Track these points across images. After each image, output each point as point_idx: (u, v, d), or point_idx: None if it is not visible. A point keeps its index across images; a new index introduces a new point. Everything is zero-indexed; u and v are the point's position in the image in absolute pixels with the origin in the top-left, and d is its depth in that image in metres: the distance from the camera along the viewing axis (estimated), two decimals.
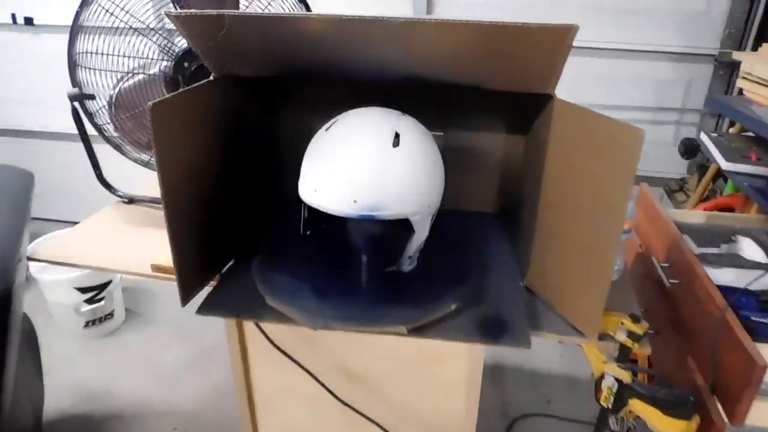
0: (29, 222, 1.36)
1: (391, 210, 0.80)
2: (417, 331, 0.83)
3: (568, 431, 1.69)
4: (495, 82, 0.86)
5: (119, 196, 1.32)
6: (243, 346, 1.04)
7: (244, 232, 1.07)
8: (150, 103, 0.74)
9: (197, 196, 0.89)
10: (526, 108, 1.11)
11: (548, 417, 1.74)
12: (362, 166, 0.80)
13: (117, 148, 1.21)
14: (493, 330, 0.85)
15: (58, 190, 2.58)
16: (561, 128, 0.84)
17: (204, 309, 0.89)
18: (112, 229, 1.22)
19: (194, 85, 0.85)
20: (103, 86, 1.15)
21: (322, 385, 0.99)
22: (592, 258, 0.81)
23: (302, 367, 0.96)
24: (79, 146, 1.22)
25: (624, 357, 0.89)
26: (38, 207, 2.69)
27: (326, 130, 0.86)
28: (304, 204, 0.86)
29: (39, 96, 2.50)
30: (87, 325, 2.04)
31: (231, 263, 1.03)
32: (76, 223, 1.26)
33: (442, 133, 1.18)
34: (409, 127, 0.86)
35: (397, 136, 0.83)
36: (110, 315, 2.09)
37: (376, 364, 0.99)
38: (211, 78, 0.89)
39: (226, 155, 0.97)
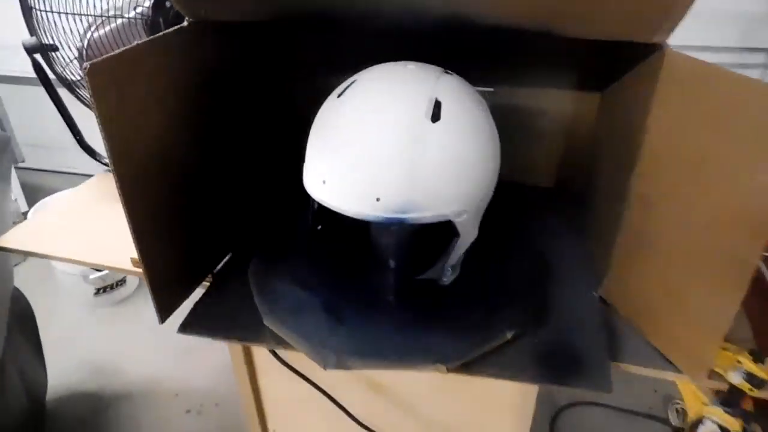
0: (8, 192, 1.19)
1: (427, 211, 0.58)
2: (460, 368, 0.62)
3: (616, 421, 1.50)
4: (576, 27, 0.60)
5: (105, 164, 1.12)
6: (248, 353, 0.85)
7: (242, 221, 0.87)
8: (85, 65, 0.52)
9: (172, 183, 0.68)
10: (606, 58, 0.85)
11: (596, 406, 1.55)
12: (388, 150, 0.57)
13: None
14: (560, 365, 0.64)
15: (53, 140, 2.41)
16: (672, 93, 0.59)
17: (187, 326, 0.70)
18: (94, 209, 1.03)
19: (156, 35, 0.62)
20: (69, 34, 0.93)
21: (340, 406, 0.80)
22: (712, 278, 0.58)
23: (319, 388, 0.77)
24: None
25: (734, 400, 0.68)
26: (38, 158, 2.58)
27: (338, 96, 0.62)
28: None
29: None
30: (97, 292, 1.90)
31: (228, 258, 0.83)
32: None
33: (492, 89, 0.94)
34: (453, 90, 0.62)
35: (437, 105, 0.59)
36: (122, 282, 1.94)
37: (405, 377, 0.79)
38: (185, 24, 0.66)
39: (210, 128, 0.75)
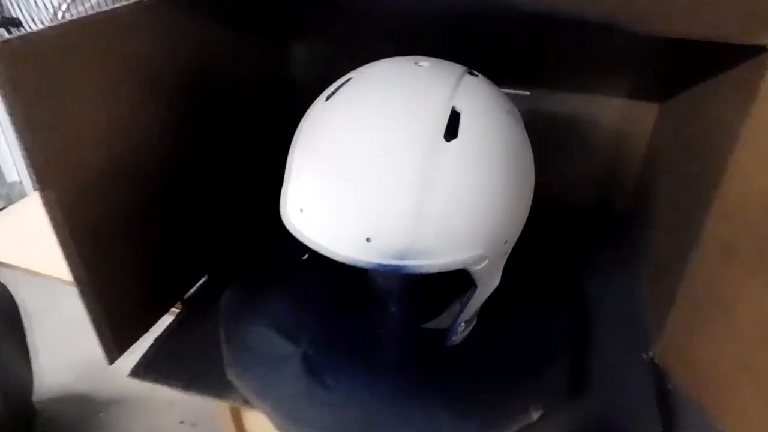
0: None
1: (435, 258, 0.44)
2: None
3: None
4: (651, 22, 0.44)
5: None
6: None
7: (224, 238, 0.73)
8: None
9: (129, 196, 0.56)
10: (672, 61, 0.69)
11: None
12: (386, 176, 0.43)
13: None
14: None
15: None
16: None
17: (140, 370, 0.58)
18: None
19: (105, 9, 0.48)
20: (35, 10, 0.81)
21: None
22: None
23: None
24: None
25: None
26: None
27: (327, 99, 0.48)
28: None
29: None
30: None
31: (203, 281, 0.70)
32: None
33: (528, 93, 0.79)
34: (477, 97, 0.47)
35: (454, 117, 0.44)
36: None
37: None
38: None
39: (183, 128, 0.62)
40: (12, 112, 0.42)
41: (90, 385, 1.54)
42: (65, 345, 1.64)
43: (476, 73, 0.51)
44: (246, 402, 0.54)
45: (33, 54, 0.43)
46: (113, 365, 1.57)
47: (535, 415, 0.49)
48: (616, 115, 0.79)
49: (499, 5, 0.44)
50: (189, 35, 0.59)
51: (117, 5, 0.50)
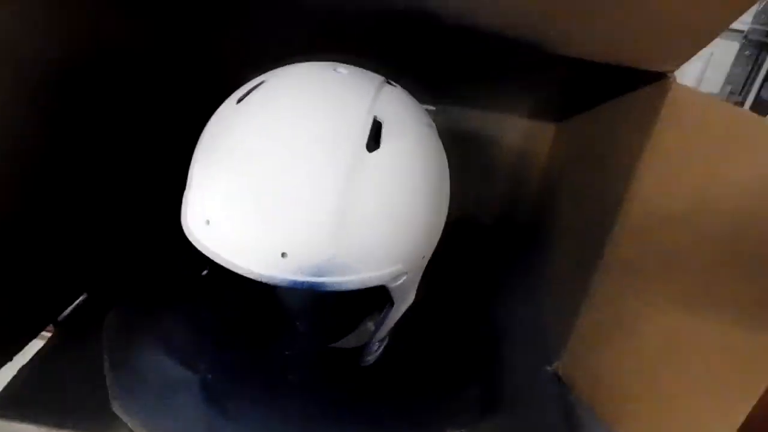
0: None
1: (354, 274, 0.41)
2: None
3: None
4: (574, 43, 0.45)
5: None
6: None
7: (105, 251, 0.66)
8: None
9: None
10: (569, 83, 0.72)
11: None
12: (305, 188, 0.39)
13: None
14: None
15: None
16: (673, 135, 0.46)
17: (1, 405, 0.49)
18: None
19: None
20: None
21: None
22: (713, 380, 0.45)
23: None
24: None
25: None
26: None
27: (238, 102, 0.44)
28: None
29: None
30: None
31: (81, 300, 0.62)
32: None
33: (433, 108, 0.80)
34: (398, 109, 0.46)
35: (376, 127, 0.42)
36: None
37: None
38: None
39: (67, 119, 0.54)
40: None
41: None
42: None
43: (394, 83, 0.50)
44: None
45: None
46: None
47: None
48: (517, 134, 0.81)
49: (433, 17, 0.43)
50: (79, 16, 0.52)
51: None
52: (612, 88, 0.57)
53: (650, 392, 0.51)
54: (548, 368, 0.61)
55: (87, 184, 0.59)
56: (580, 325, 0.58)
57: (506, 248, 0.81)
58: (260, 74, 0.47)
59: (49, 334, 0.58)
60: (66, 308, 0.60)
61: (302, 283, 0.40)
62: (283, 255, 0.39)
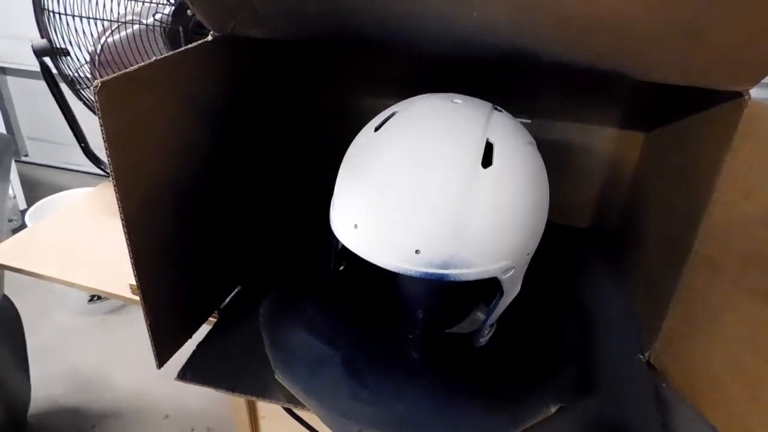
0: (3, 196, 1.12)
1: (472, 267, 0.51)
2: None
3: None
4: (657, 71, 0.53)
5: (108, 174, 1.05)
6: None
7: (254, 251, 0.79)
8: (97, 83, 0.45)
9: (181, 210, 0.61)
10: (657, 97, 0.79)
11: None
12: (434, 197, 0.50)
13: None
14: None
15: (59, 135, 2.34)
16: (751, 148, 0.52)
17: (186, 373, 0.63)
18: (94, 223, 0.95)
19: (176, 51, 0.55)
20: (82, 37, 0.86)
21: None
22: None
23: None
24: None
25: None
26: (43, 153, 2.50)
27: (375, 130, 0.55)
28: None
29: None
30: (91, 299, 1.82)
31: (236, 291, 0.76)
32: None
33: (529, 121, 0.88)
34: (506, 131, 0.55)
35: (489, 148, 0.52)
36: None
37: None
38: (208, 39, 0.59)
39: (228, 151, 0.68)
40: (105, 134, 0.48)
41: (83, 398, 1.55)
42: (57, 357, 1.65)
43: (500, 108, 0.59)
44: (289, 401, 0.59)
45: (124, 89, 0.49)
46: (108, 378, 1.60)
47: (554, 408, 0.56)
48: (607, 143, 0.88)
49: (529, 57, 0.52)
50: (240, 70, 0.66)
51: (187, 47, 0.56)
52: (694, 105, 0.63)
53: (737, 379, 0.57)
54: (641, 357, 0.67)
55: (243, 197, 0.73)
56: (671, 317, 0.64)
57: (598, 249, 0.88)
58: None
59: (214, 319, 0.72)
60: (226, 298, 0.74)
61: (432, 274, 0.50)
62: (417, 252, 0.50)
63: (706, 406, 0.61)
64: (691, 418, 0.62)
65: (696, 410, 0.62)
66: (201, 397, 1.55)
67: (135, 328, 1.81)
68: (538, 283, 0.67)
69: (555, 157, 0.89)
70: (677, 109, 0.70)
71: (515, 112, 0.62)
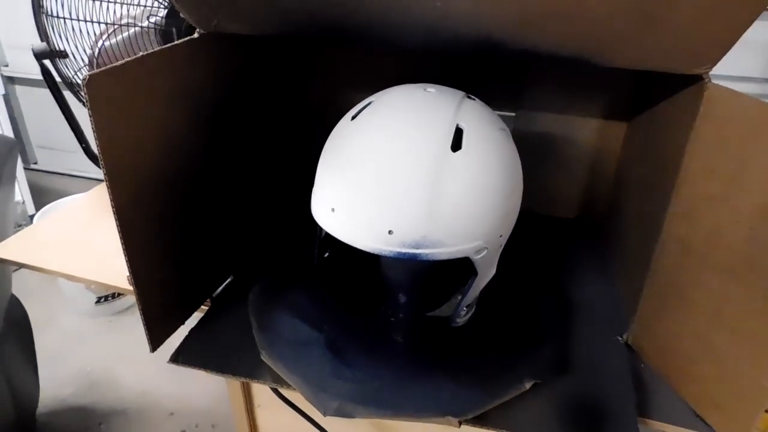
0: (9, 198, 1.16)
1: (444, 247, 0.53)
2: (473, 420, 0.57)
3: None
4: (615, 56, 0.55)
5: None
6: (245, 383, 0.81)
7: (246, 242, 0.82)
8: (86, 75, 0.48)
9: (173, 201, 0.64)
10: (634, 86, 0.81)
11: None
12: (405, 180, 0.52)
13: None
14: (583, 420, 0.58)
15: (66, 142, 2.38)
16: (712, 129, 0.54)
17: (179, 356, 0.65)
18: (99, 220, 0.99)
19: (163, 47, 0.58)
20: (80, 40, 0.89)
21: None
22: (756, 337, 0.53)
23: (321, 429, 0.71)
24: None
25: None
26: (51, 160, 2.55)
27: (352, 119, 0.58)
28: None
29: None
30: (98, 301, 1.86)
31: (228, 281, 0.79)
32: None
33: (513, 114, 0.90)
34: (476, 117, 0.57)
35: (458, 133, 0.54)
36: None
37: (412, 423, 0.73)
38: (195, 36, 0.62)
39: (217, 144, 0.71)
40: (95, 127, 0.51)
41: (90, 397, 1.59)
42: (65, 358, 1.69)
43: (473, 97, 0.62)
44: (276, 381, 0.62)
45: (110, 82, 0.52)
46: (114, 377, 1.64)
47: (528, 384, 0.58)
48: (591, 134, 0.90)
49: (498, 44, 0.54)
50: (228, 66, 0.69)
51: (174, 43, 0.59)
52: (664, 91, 0.65)
53: (706, 356, 0.59)
54: (619, 338, 0.69)
55: (233, 190, 0.76)
56: (645, 297, 0.66)
57: (581, 237, 0.90)
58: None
59: (206, 307, 0.74)
60: (218, 287, 0.77)
61: (404, 254, 0.52)
62: (390, 232, 0.52)
63: (679, 384, 0.63)
64: (667, 396, 0.64)
65: (671, 388, 0.64)
66: (205, 395, 1.59)
67: (140, 330, 1.83)
68: (521, 270, 0.70)
69: (540, 150, 0.93)
70: (652, 97, 0.72)
71: (500, 106, 0.65)
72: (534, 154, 0.85)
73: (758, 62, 1.78)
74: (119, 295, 1.89)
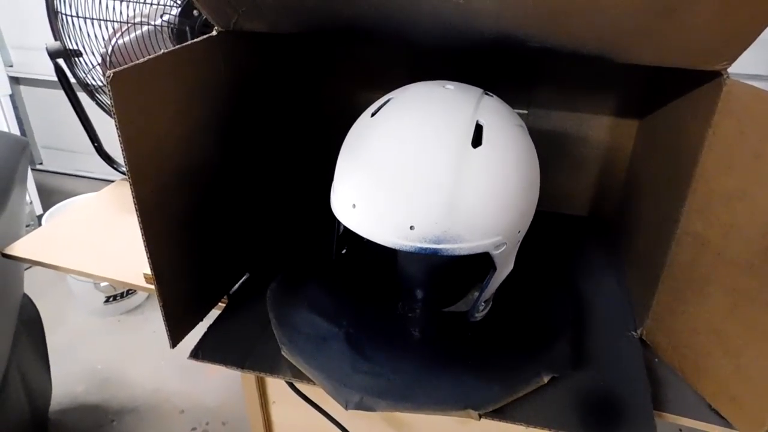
0: (21, 198, 1.17)
1: (464, 242, 0.54)
2: (493, 414, 0.57)
3: None
4: (633, 53, 0.56)
5: (123, 173, 1.09)
6: (260, 378, 0.81)
7: (261, 239, 0.83)
8: (108, 74, 0.49)
9: (192, 199, 0.65)
10: (647, 83, 0.81)
11: None
12: (426, 176, 0.53)
13: None
14: (600, 413, 0.59)
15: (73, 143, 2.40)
16: (732, 125, 0.54)
17: (199, 352, 0.66)
18: (110, 218, 1.00)
19: (182, 45, 0.59)
20: (93, 40, 0.90)
21: None
22: None
23: (337, 423, 0.72)
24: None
25: None
26: (57, 161, 2.56)
27: (372, 115, 0.59)
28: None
29: None
30: (107, 300, 1.87)
31: (245, 278, 0.79)
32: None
33: (525, 112, 0.91)
34: (495, 114, 0.58)
35: (478, 129, 0.55)
36: (133, 290, 1.92)
37: (430, 417, 0.74)
38: (213, 34, 0.63)
39: (235, 141, 0.72)
40: (119, 124, 0.51)
41: (102, 395, 1.59)
42: (76, 356, 1.70)
43: (491, 93, 0.62)
44: (295, 376, 0.62)
45: (133, 79, 0.52)
46: (125, 375, 1.65)
47: (546, 378, 0.59)
48: (603, 132, 0.90)
49: (516, 41, 0.55)
50: (245, 64, 0.70)
51: (193, 40, 0.60)
52: (680, 88, 0.65)
53: (721, 349, 0.59)
54: (633, 333, 0.70)
55: (250, 187, 0.77)
56: (660, 293, 0.66)
57: (593, 234, 0.90)
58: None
59: (224, 304, 0.75)
60: (235, 284, 0.77)
61: (426, 249, 0.53)
62: (411, 228, 0.53)
63: (694, 378, 0.64)
64: (681, 390, 0.64)
65: (685, 382, 0.65)
66: (215, 392, 1.59)
67: (150, 328, 1.86)
68: (536, 266, 0.70)
69: (552, 147, 0.93)
70: (666, 94, 0.72)
71: (512, 104, 0.65)
72: (546, 151, 0.85)
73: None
74: (128, 294, 1.90)
